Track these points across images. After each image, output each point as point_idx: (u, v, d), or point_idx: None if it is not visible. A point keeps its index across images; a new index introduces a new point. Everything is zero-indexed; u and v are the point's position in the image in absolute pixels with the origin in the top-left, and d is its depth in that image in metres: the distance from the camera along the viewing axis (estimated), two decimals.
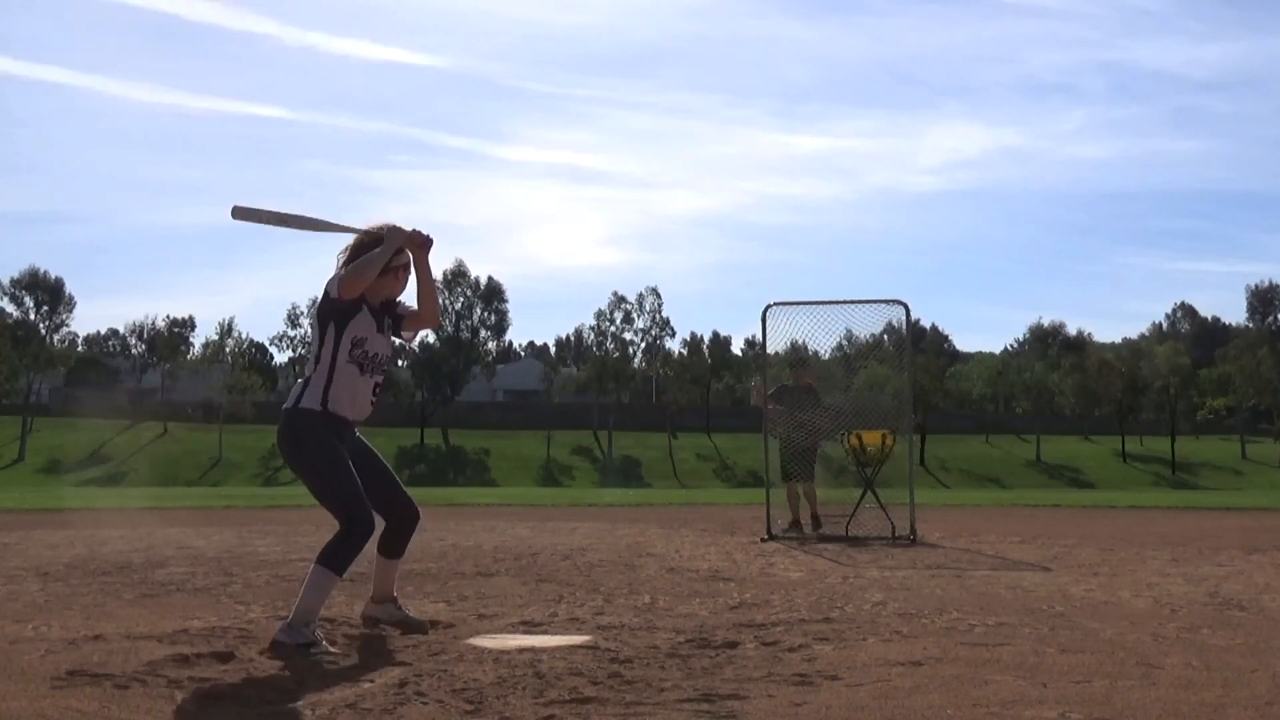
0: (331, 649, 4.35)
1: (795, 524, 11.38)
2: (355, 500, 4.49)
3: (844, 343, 13.40)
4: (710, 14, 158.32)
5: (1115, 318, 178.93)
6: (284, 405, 4.67)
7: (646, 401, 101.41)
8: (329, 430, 4.56)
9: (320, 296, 4.65)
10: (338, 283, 4.55)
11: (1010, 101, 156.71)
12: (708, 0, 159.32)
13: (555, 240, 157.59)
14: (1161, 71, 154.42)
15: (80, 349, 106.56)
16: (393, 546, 4.92)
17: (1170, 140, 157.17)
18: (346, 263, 4.70)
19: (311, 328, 4.77)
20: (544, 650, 4.36)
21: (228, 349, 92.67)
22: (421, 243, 4.72)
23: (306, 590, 4.44)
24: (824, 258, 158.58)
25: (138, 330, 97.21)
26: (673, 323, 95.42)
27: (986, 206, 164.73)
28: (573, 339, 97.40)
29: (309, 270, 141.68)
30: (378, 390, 4.76)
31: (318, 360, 4.60)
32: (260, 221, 4.72)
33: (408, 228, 4.70)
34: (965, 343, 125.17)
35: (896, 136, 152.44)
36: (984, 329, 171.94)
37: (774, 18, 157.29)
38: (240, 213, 4.69)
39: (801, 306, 11.63)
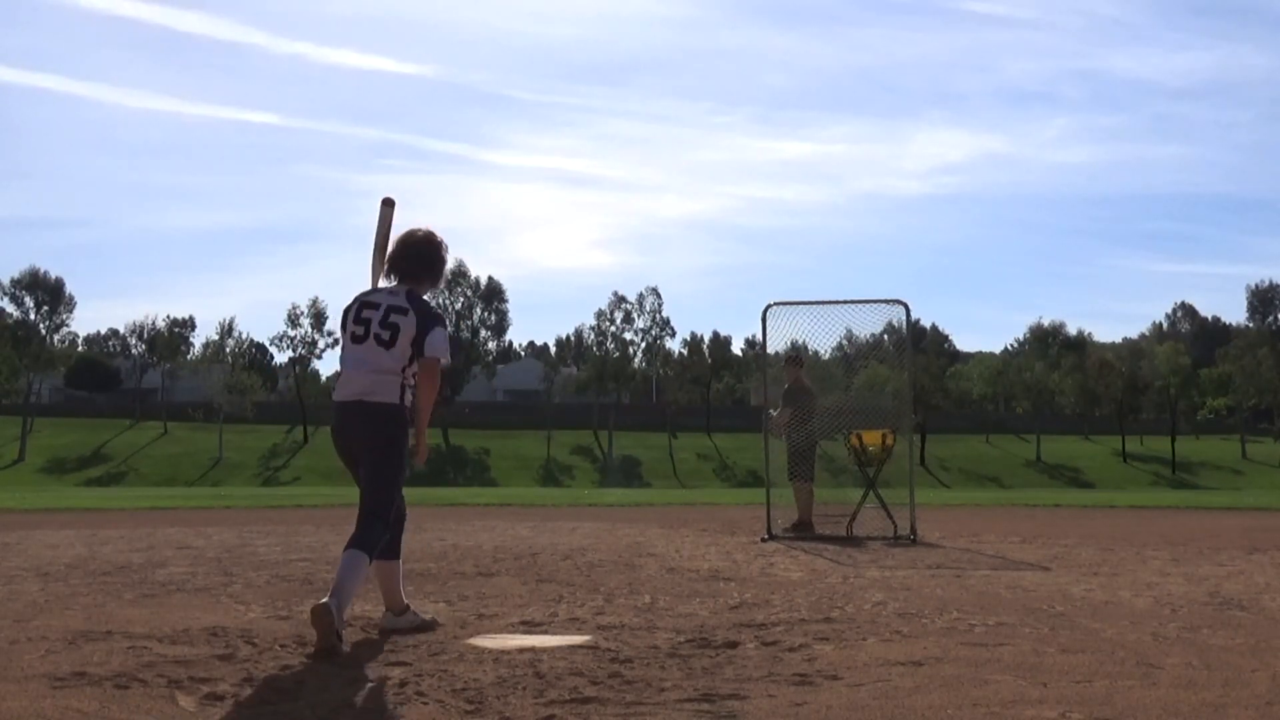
0: (344, 648, 4.37)
1: (799, 525, 11.30)
2: (396, 505, 4.83)
3: (844, 343, 13.40)
4: (691, 25, 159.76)
5: (1114, 318, 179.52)
6: (377, 398, 4.70)
7: (646, 401, 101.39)
8: None
9: (429, 316, 4.77)
10: (445, 352, 4.77)
11: (991, 109, 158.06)
12: (688, 12, 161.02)
13: (549, 243, 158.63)
14: (1138, 80, 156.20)
15: (80, 349, 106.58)
16: (387, 546, 4.92)
17: (1151, 146, 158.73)
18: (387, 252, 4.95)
19: (402, 336, 4.74)
20: (544, 650, 4.36)
21: (228, 349, 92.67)
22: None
23: (350, 575, 4.47)
24: (816, 260, 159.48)
25: (138, 330, 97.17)
26: (673, 323, 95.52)
27: (976, 211, 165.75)
28: (573, 339, 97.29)
29: (309, 271, 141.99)
30: None
31: (403, 372, 4.76)
32: (382, 231, 4.99)
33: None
34: (965, 343, 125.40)
35: (880, 142, 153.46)
36: (983, 329, 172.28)
37: (753, 28, 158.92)
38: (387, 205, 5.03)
39: (802, 306, 11.63)
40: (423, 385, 4.76)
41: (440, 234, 5.00)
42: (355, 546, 4.53)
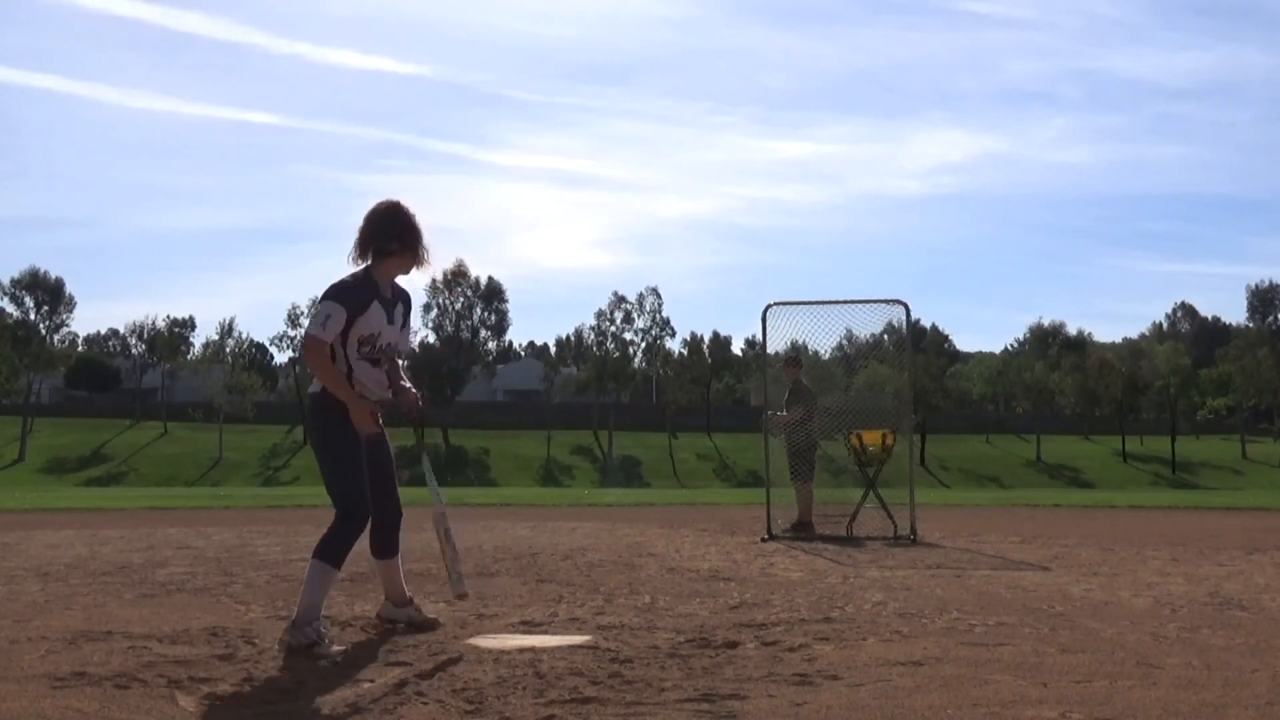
0: (335, 648, 4.35)
1: (799, 525, 11.28)
2: (357, 493, 4.55)
3: (844, 343, 13.40)
4: (690, 25, 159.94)
5: (1114, 318, 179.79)
6: (311, 390, 4.69)
7: (646, 401, 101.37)
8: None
9: (323, 295, 4.60)
10: (320, 328, 4.48)
11: (991, 109, 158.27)
12: (687, 12, 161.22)
13: (548, 243, 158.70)
14: (1138, 80, 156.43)
15: (80, 349, 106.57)
16: (383, 545, 4.90)
17: (1151, 146, 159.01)
18: (363, 247, 4.63)
19: None
20: (544, 650, 4.36)
21: (228, 349, 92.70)
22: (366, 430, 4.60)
23: (307, 586, 4.48)
24: (816, 260, 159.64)
25: (138, 330, 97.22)
26: (673, 323, 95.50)
27: (976, 211, 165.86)
28: (573, 339, 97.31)
29: (308, 272, 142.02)
30: (401, 371, 4.80)
31: (334, 358, 4.60)
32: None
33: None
34: (965, 343, 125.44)
35: (879, 142, 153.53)
36: (983, 329, 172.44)
37: (753, 28, 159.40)
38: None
39: (802, 306, 11.63)
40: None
41: (405, 205, 4.68)
42: (315, 556, 4.50)
